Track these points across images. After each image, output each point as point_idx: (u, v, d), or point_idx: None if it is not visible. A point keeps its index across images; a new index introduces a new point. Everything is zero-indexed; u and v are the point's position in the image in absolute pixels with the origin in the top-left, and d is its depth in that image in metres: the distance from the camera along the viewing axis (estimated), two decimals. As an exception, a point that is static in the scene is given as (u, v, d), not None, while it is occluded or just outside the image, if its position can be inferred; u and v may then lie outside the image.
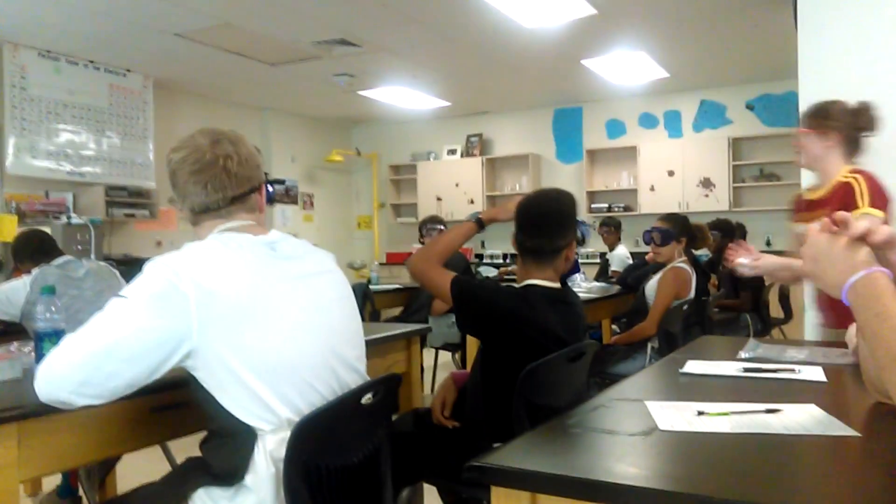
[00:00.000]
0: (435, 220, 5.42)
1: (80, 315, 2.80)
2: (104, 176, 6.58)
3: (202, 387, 1.44)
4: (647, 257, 5.85)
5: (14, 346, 1.92)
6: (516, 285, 2.15)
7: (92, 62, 6.46)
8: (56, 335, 1.68)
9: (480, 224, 2.32)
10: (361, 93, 7.91)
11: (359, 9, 5.30)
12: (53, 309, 1.68)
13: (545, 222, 2.13)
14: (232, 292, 1.41)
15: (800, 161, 2.52)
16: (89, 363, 1.36)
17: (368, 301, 4.97)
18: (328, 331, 1.57)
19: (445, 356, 5.59)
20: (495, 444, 1.15)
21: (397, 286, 5.70)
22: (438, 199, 9.29)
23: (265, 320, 1.44)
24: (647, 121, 8.52)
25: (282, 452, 1.41)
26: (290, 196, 9.15)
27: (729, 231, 5.54)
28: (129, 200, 6.72)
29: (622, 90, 7.98)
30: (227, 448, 1.47)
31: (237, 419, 1.42)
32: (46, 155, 6.15)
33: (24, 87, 5.98)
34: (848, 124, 2.40)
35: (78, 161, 6.39)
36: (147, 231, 7.25)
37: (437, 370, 5.50)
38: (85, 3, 5.05)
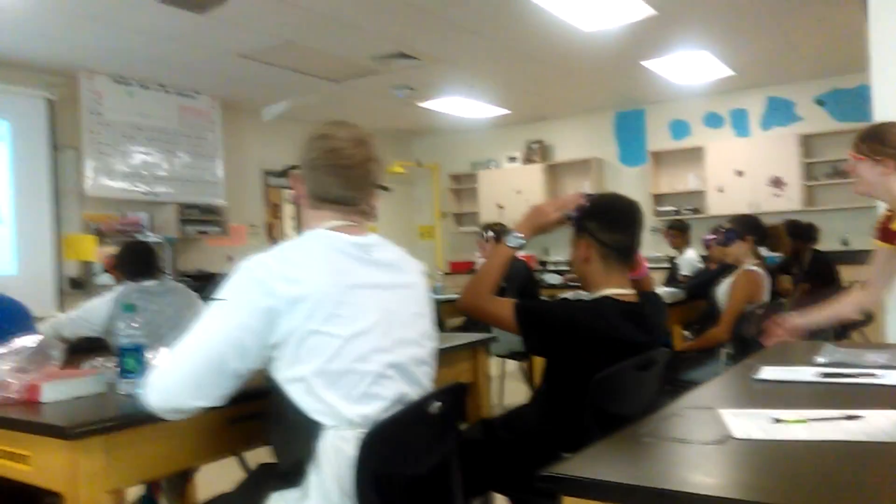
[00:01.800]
0: (490, 227, 5.31)
1: (160, 331, 2.92)
2: (177, 195, 6.83)
3: (276, 383, 1.51)
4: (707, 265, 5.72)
5: (98, 361, 2.00)
6: (585, 295, 2.06)
7: (162, 86, 6.72)
8: (137, 350, 1.76)
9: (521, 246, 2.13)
10: (421, 104, 7.99)
11: (416, 22, 5.36)
12: (135, 325, 1.75)
13: (630, 218, 2.04)
14: (315, 291, 1.48)
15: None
16: (200, 366, 1.46)
17: (434, 311, 4.99)
18: (401, 342, 1.61)
19: (513, 365, 5.57)
20: (565, 455, 1.14)
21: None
22: (500, 206, 9.28)
23: (342, 321, 1.49)
24: (713, 120, 8.33)
25: (344, 450, 1.45)
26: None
27: (801, 232, 5.36)
28: (200, 218, 6.94)
29: (685, 90, 7.83)
30: (293, 441, 1.52)
31: (301, 412, 1.48)
32: (122, 176, 6.42)
33: (100, 113, 6.26)
34: None
35: (152, 181, 6.64)
36: (218, 247, 7.47)
37: (504, 379, 5.49)
38: (155, 30, 5.26)
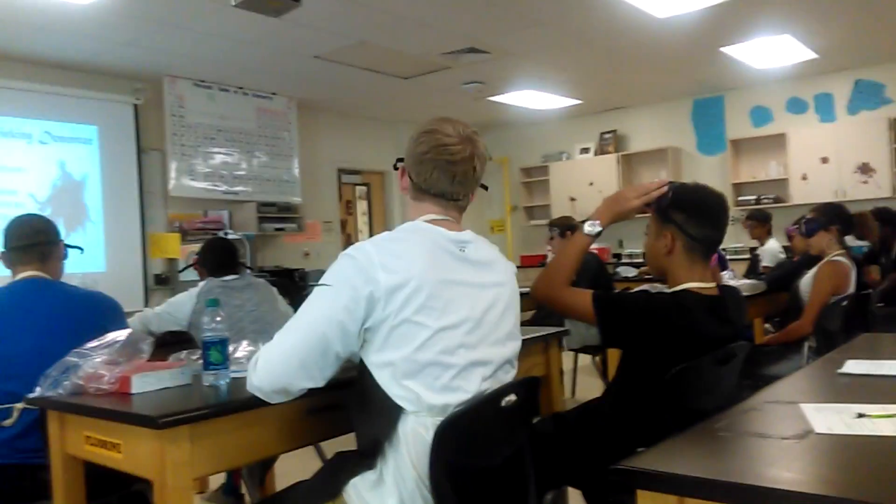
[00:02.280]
0: (553, 223, 5.24)
1: (241, 324, 3.01)
2: (255, 193, 7.04)
3: (365, 366, 1.56)
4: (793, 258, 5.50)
5: (183, 354, 2.09)
6: (666, 289, 2.00)
7: (240, 88, 6.93)
8: (221, 343, 1.82)
9: (595, 235, 2.08)
10: (491, 98, 7.97)
11: (485, 17, 5.35)
12: (218, 319, 1.82)
13: (719, 211, 1.98)
14: (412, 282, 1.52)
15: None
16: (306, 347, 1.53)
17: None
18: (488, 340, 1.63)
19: (585, 359, 5.52)
20: (640, 450, 1.13)
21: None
22: (572, 199, 9.17)
23: (435, 313, 1.53)
24: (796, 106, 8.00)
25: (422, 436, 1.48)
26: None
27: (890, 219, 5.10)
28: (278, 215, 7.13)
29: (766, 75, 7.54)
30: (374, 421, 1.56)
31: (386, 395, 1.52)
32: (204, 176, 6.66)
33: (182, 116, 6.51)
34: None
35: (231, 181, 6.87)
36: (295, 243, 7.67)
37: (576, 373, 5.44)
38: (233, 34, 5.43)
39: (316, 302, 1.56)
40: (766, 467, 0.98)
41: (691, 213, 1.95)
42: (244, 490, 3.47)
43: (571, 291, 2.03)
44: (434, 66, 6.53)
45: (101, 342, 1.91)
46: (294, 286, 6.06)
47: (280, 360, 1.55)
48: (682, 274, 1.96)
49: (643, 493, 0.99)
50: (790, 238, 5.18)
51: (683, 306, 1.89)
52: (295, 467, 2.63)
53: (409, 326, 1.51)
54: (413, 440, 1.50)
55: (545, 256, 8.93)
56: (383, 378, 1.53)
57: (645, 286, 2.36)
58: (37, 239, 2.38)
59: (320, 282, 1.58)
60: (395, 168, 1.78)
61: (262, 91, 7.11)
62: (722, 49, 6.53)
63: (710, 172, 8.32)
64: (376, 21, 5.29)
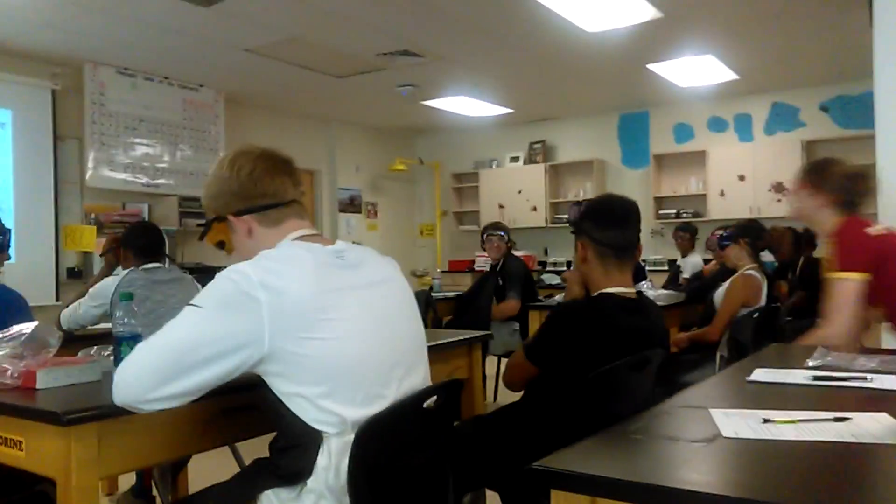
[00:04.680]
0: (496, 226, 5.39)
1: (163, 320, 2.93)
2: (177, 187, 6.84)
3: (272, 391, 1.48)
4: (704, 269, 5.74)
5: (94, 349, 2.01)
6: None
7: (166, 78, 6.73)
8: (134, 339, 1.75)
9: None
10: (424, 102, 7.99)
11: (421, 20, 5.36)
12: (132, 314, 1.76)
13: (625, 214, 2.06)
14: (301, 297, 1.45)
15: (791, 211, 2.62)
16: (161, 368, 1.41)
17: (431, 308, 5.01)
18: (393, 337, 1.60)
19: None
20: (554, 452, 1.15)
21: (459, 293, 5.72)
22: (501, 206, 9.29)
23: (332, 325, 1.47)
24: (717, 124, 8.33)
25: (346, 454, 1.44)
26: (354, 205, 9.30)
27: (809, 241, 5.36)
28: (200, 211, 6.93)
29: (690, 93, 7.83)
30: (294, 450, 1.50)
31: (304, 423, 1.46)
32: (123, 168, 6.43)
33: (102, 104, 6.27)
34: (841, 188, 2.42)
35: (153, 173, 6.65)
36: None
37: (499, 378, 5.49)
38: (159, 22, 5.27)
39: (184, 324, 1.44)
40: (675, 469, 1.01)
41: (597, 220, 2.04)
42: (155, 492, 3.36)
43: (519, 370, 2.13)
44: (368, 66, 6.50)
45: (6, 335, 1.82)
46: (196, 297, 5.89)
47: (134, 378, 1.42)
48: (600, 280, 2.03)
49: (557, 493, 1.00)
50: (712, 250, 5.38)
51: (598, 308, 1.98)
52: (209, 468, 2.57)
53: (310, 344, 1.43)
54: (335, 460, 1.45)
55: (473, 262, 9.01)
56: (298, 407, 1.45)
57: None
58: None
59: (193, 301, 1.45)
60: (213, 224, 1.69)
61: (190, 82, 6.91)
62: (648, 66, 6.75)
63: (633, 185, 8.57)
64: (310, 17, 5.23)
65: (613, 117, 8.92)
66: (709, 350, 3.79)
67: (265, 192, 1.63)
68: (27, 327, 1.88)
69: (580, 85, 7.52)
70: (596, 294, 2.03)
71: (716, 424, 1.20)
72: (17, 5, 4.87)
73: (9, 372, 1.75)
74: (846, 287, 2.27)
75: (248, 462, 1.72)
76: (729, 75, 7.11)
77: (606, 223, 2.03)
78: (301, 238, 1.61)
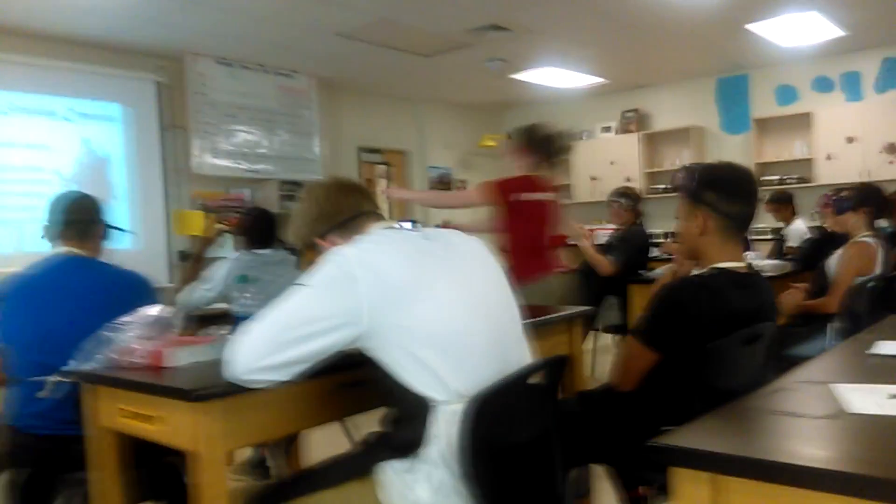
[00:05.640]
0: (616, 192, 5.21)
1: (272, 299, 3.08)
2: (277, 172, 7.06)
3: (379, 365, 1.56)
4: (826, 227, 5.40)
5: (213, 329, 2.12)
6: (696, 270, 2.00)
7: (261, 66, 6.93)
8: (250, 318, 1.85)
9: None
10: (513, 76, 7.91)
11: (509, -7, 5.30)
12: (248, 295, 1.85)
13: (750, 185, 1.97)
14: (397, 273, 1.54)
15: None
16: (266, 342, 1.52)
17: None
18: (488, 308, 1.65)
19: (605, 338, 5.52)
20: (664, 428, 1.14)
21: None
22: (593, 178, 9.12)
23: (430, 297, 1.55)
24: (822, 84, 7.88)
25: (455, 424, 1.48)
26: (444, 183, 9.35)
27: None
28: (299, 193, 7.16)
29: (792, 53, 7.42)
30: (405, 421, 1.57)
31: (412, 392, 1.53)
32: (226, 154, 6.69)
33: (204, 93, 6.53)
34: (539, 148, 3.25)
35: (253, 159, 6.90)
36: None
37: (596, 353, 5.45)
38: (255, 11, 5.43)
39: (290, 302, 1.55)
40: (799, 446, 0.98)
41: (722, 191, 1.93)
42: (270, 463, 3.53)
43: (631, 360, 2.04)
44: (456, 43, 6.49)
45: (134, 317, 1.95)
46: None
47: (243, 355, 1.53)
48: (715, 253, 1.96)
49: (677, 470, 1.00)
50: (823, 216, 5.09)
51: (711, 288, 1.89)
52: (320, 440, 2.68)
53: (408, 315, 1.52)
54: (446, 430, 1.50)
55: (566, 237, 8.85)
56: (402, 376, 1.53)
57: (665, 268, 2.38)
58: (78, 216, 2.43)
59: (299, 281, 1.57)
60: (307, 250, 1.83)
61: (284, 69, 7.10)
62: (748, 26, 6.43)
63: (733, 152, 8.23)
64: (399, -2, 5.26)
65: (711, 81, 8.57)
66: (820, 322, 3.63)
67: (342, 208, 1.77)
68: (153, 310, 2.01)
69: (675, 49, 7.26)
70: (709, 269, 1.95)
71: (838, 400, 1.16)
72: (122, 4, 5.12)
73: (138, 352, 1.87)
74: None
75: (356, 435, 1.80)
76: (835, 32, 6.70)
77: (733, 195, 1.93)
78: (387, 228, 1.73)
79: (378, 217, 1.79)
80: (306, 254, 1.83)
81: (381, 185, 4.17)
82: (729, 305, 1.88)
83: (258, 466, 3.53)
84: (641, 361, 1.97)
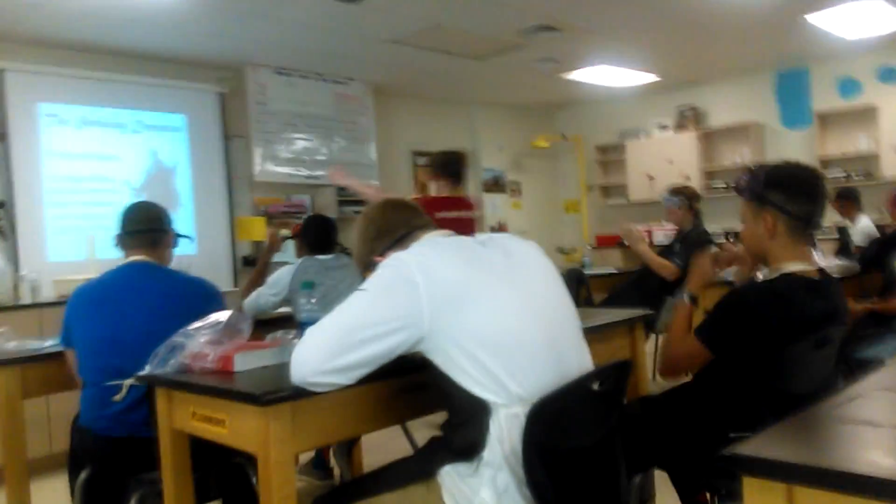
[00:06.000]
0: (670, 190, 5.10)
1: (334, 305, 3.15)
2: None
3: (438, 368, 1.58)
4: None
5: (279, 334, 2.17)
6: (762, 274, 1.96)
7: (319, 74, 7.05)
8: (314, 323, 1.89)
9: (695, 300, 2.17)
10: (564, 76, 7.86)
11: (561, -7, 5.28)
12: (313, 301, 1.89)
13: (817, 185, 1.92)
14: (454, 277, 1.56)
15: None
16: (330, 346, 1.56)
17: (584, 286, 4.96)
18: (545, 311, 1.66)
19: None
20: (732, 434, 1.12)
21: (611, 271, 5.63)
22: (650, 177, 8.98)
23: (487, 300, 1.56)
24: (889, 75, 7.60)
25: (515, 427, 1.49)
26: (498, 185, 9.35)
27: None
28: (356, 199, 7.23)
29: (855, 44, 7.17)
30: (464, 424, 1.58)
31: (471, 394, 1.54)
32: (286, 162, 6.83)
33: (264, 103, 6.68)
34: (444, 171, 4.01)
35: (312, 165, 7.02)
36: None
37: (657, 356, 5.37)
38: (312, 22, 5.53)
39: (352, 306, 1.59)
40: (880, 457, 0.95)
41: (789, 191, 1.89)
42: (333, 464, 3.59)
43: (682, 349, 2.04)
44: (507, 45, 6.49)
45: (205, 323, 2.01)
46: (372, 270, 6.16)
47: (307, 358, 1.58)
48: (785, 256, 1.91)
49: (750, 479, 0.98)
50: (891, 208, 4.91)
51: (782, 295, 1.84)
52: (380, 441, 2.72)
53: (467, 318, 1.53)
54: (507, 433, 1.51)
55: (649, 232, 8.65)
56: (461, 379, 1.55)
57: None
58: (149, 226, 2.52)
59: (360, 287, 1.62)
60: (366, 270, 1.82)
61: (339, 77, 7.21)
62: (807, 17, 6.25)
63: (795, 148, 8.01)
64: (451, 2, 5.29)
65: (769, 76, 8.35)
66: (889, 323, 3.51)
67: (397, 224, 1.82)
68: (223, 315, 2.07)
69: (730, 44, 7.09)
70: (777, 274, 1.91)
71: (919, 408, 1.13)
72: (185, 19, 5.28)
73: (210, 356, 1.93)
74: None
75: (416, 437, 1.82)
76: (903, 20, 6.46)
77: (801, 195, 1.89)
78: (440, 234, 1.78)
79: (432, 229, 1.83)
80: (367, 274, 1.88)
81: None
82: (801, 312, 1.83)
83: (319, 467, 3.60)
84: (695, 359, 1.97)
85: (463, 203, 4.09)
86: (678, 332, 2.10)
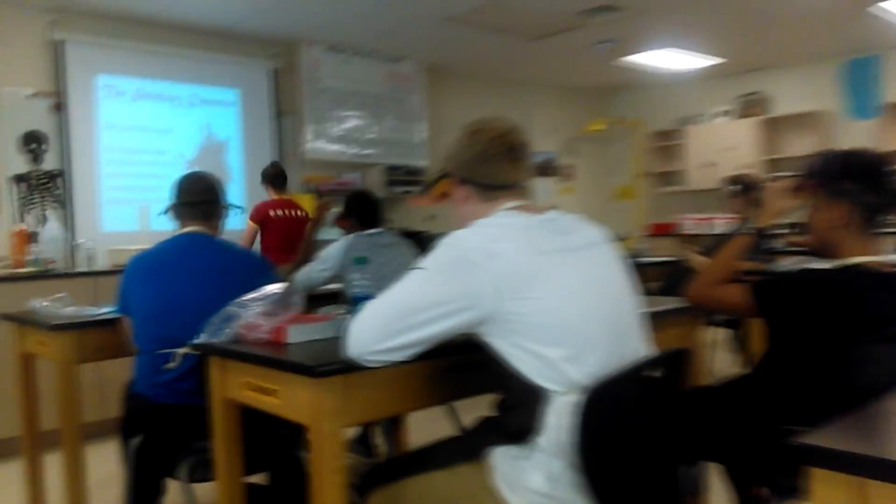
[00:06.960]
0: (729, 179, 5.04)
1: (384, 281, 3.15)
2: (384, 156, 7.18)
3: (496, 351, 1.54)
4: None
5: (331, 307, 2.18)
6: (827, 264, 1.87)
7: (371, 52, 7.05)
8: (368, 299, 1.88)
9: (757, 233, 2.11)
10: (623, 59, 7.70)
11: (623, -28, 5.15)
12: (366, 276, 1.88)
13: (890, 174, 1.83)
14: (517, 260, 1.51)
15: None
16: (387, 324, 1.54)
17: (639, 273, 4.87)
18: (608, 298, 1.61)
19: (721, 332, 5.31)
20: (788, 427, 1.07)
21: (666, 258, 5.53)
22: (710, 164, 8.75)
23: (549, 285, 1.52)
24: (965, 64, 7.25)
25: (572, 414, 1.46)
26: (548, 169, 9.24)
27: None
28: (405, 178, 7.24)
29: (931, 31, 6.86)
30: (518, 408, 1.55)
31: (529, 381, 1.50)
32: (336, 139, 6.86)
33: (317, 80, 6.70)
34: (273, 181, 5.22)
35: (362, 144, 7.04)
36: (421, 206, 7.78)
37: (714, 347, 5.26)
38: (366, -1, 5.51)
39: (410, 284, 1.56)
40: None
41: (865, 181, 1.81)
42: (378, 441, 3.61)
43: (727, 289, 1.99)
44: (564, 25, 6.37)
45: (259, 294, 2.02)
46: (421, 248, 6.16)
47: (363, 333, 1.56)
48: (857, 247, 1.83)
49: (820, 472, 0.94)
50: None
51: (852, 284, 1.77)
52: (424, 420, 2.71)
53: (528, 305, 1.49)
54: (561, 420, 1.48)
55: (675, 225, 8.59)
56: (521, 364, 1.51)
57: (794, 260, 2.25)
58: (203, 197, 2.55)
59: (419, 265, 1.58)
60: (435, 184, 1.79)
61: (391, 55, 7.19)
62: (879, 4, 5.98)
63: (862, 139, 7.70)
64: (509, -19, 5.21)
65: (836, 63, 8.05)
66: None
67: (488, 172, 1.71)
68: (276, 287, 2.08)
69: (798, 29, 6.85)
70: (846, 264, 1.83)
71: None
72: (243, -7, 5.32)
73: (263, 327, 1.95)
74: None
75: (463, 419, 1.80)
76: (985, 5, 6.13)
77: (876, 184, 1.82)
78: (513, 209, 1.67)
79: (519, 194, 1.72)
80: (442, 182, 1.83)
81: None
82: (872, 306, 1.75)
83: (362, 443, 3.63)
84: (734, 301, 1.94)
85: (290, 205, 5.27)
86: (725, 259, 2.05)
